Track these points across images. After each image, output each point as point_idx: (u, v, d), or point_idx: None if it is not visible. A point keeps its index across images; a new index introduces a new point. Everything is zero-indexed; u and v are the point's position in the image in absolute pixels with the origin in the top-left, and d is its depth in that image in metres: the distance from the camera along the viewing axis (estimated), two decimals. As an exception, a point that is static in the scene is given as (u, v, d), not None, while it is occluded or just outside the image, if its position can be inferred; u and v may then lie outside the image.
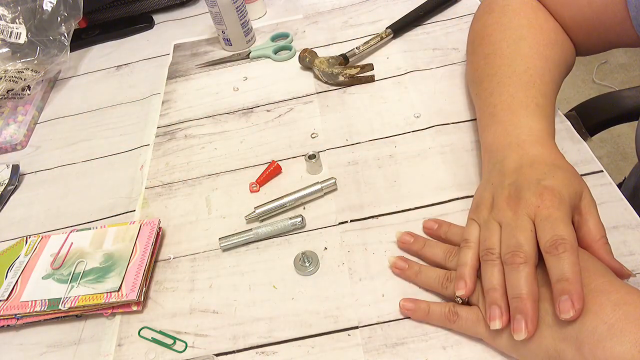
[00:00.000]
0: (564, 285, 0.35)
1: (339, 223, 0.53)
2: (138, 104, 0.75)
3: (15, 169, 0.67)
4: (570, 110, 0.78)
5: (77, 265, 0.52)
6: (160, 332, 0.47)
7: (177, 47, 0.85)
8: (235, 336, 0.46)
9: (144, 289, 0.50)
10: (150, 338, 0.47)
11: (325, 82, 0.70)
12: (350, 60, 0.71)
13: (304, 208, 0.55)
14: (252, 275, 0.50)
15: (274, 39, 0.81)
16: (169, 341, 0.46)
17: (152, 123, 0.71)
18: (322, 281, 0.48)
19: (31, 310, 0.49)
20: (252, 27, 0.81)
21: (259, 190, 0.58)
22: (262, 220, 0.55)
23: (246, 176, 0.60)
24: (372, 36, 0.73)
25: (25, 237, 0.56)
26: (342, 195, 0.55)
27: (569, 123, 0.57)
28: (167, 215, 0.57)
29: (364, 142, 0.60)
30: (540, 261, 0.39)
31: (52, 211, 0.62)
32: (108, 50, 0.89)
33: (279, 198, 0.55)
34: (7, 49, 0.80)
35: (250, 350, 0.44)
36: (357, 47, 0.71)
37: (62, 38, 0.80)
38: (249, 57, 0.78)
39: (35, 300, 0.49)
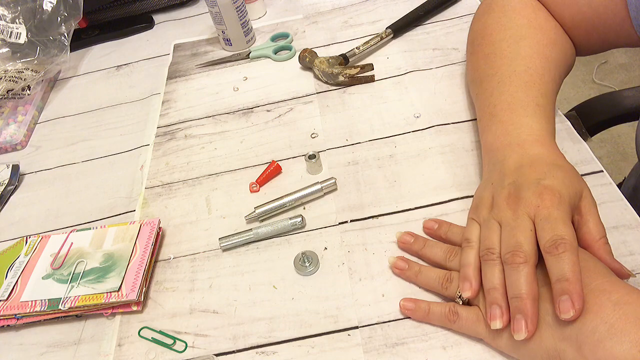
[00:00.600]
0: (564, 285, 0.35)
1: (339, 223, 0.53)
2: (138, 104, 0.75)
3: (15, 169, 0.67)
4: (570, 110, 0.78)
5: (77, 265, 0.52)
6: (160, 332, 0.47)
7: (177, 47, 0.85)
8: (235, 336, 0.46)
9: (144, 289, 0.50)
10: (150, 338, 0.47)
11: (325, 82, 0.70)
12: (350, 60, 0.71)
13: (304, 208, 0.55)
14: (252, 275, 0.50)
15: (274, 39, 0.81)
16: (169, 341, 0.46)
17: (152, 123, 0.71)
18: (322, 281, 0.48)
19: (31, 310, 0.49)
20: (252, 27, 0.81)
21: (259, 190, 0.58)
22: (262, 220, 0.55)
23: (246, 176, 0.60)
24: (372, 36, 0.73)
25: (25, 237, 0.56)
26: (342, 195, 0.55)
27: (569, 123, 0.57)
28: (167, 215, 0.57)
29: (364, 142, 0.60)
30: (540, 261, 0.39)
31: (52, 211, 0.62)
32: (108, 50, 0.89)
33: (279, 198, 0.55)
34: (7, 49, 0.80)
35: (250, 350, 0.44)
36: (357, 47, 0.71)
37: (62, 38, 0.80)
38: (249, 57, 0.78)
39: (35, 301, 0.49)
